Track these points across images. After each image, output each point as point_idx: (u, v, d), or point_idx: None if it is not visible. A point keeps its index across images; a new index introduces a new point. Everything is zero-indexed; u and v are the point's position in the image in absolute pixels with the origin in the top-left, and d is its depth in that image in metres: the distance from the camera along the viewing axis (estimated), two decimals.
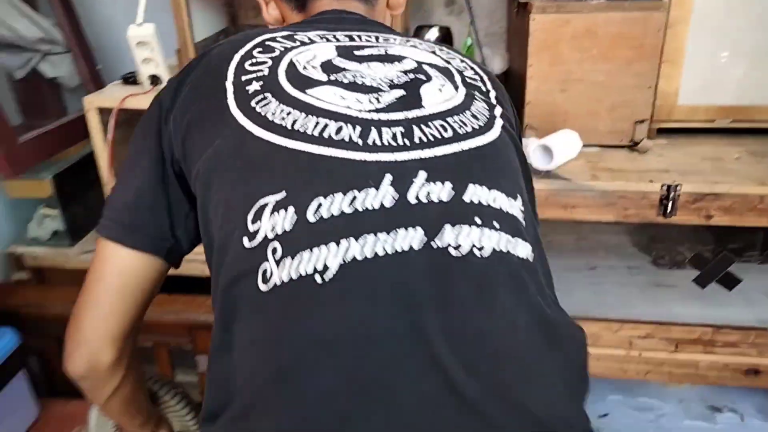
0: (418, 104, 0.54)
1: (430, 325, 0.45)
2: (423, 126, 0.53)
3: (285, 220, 0.47)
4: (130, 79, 1.28)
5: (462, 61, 0.65)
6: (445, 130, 0.53)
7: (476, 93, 0.60)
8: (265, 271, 0.46)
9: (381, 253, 0.45)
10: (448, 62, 0.63)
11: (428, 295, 0.46)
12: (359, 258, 0.45)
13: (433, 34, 1.41)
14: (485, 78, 0.65)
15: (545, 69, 1.21)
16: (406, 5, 0.74)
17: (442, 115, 0.54)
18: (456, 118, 0.55)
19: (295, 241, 0.46)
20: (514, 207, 0.54)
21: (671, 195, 1.10)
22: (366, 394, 0.43)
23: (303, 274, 0.45)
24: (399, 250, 0.46)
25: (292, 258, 0.46)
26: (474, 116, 0.57)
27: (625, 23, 1.17)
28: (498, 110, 0.60)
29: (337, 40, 0.61)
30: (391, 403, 0.43)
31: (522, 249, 0.52)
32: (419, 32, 1.42)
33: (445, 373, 0.44)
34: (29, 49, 1.41)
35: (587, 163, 1.20)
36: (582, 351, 0.55)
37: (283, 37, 0.60)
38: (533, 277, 0.52)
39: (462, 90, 0.59)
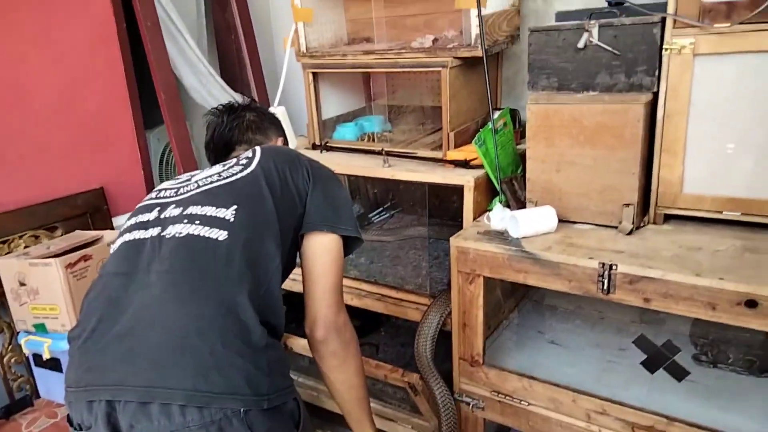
0: (189, 180, 1.12)
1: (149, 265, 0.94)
2: (184, 187, 1.09)
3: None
4: None
5: (249, 153, 1.15)
6: (195, 186, 1.07)
7: (239, 162, 1.11)
8: None
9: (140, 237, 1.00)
10: (237, 160, 1.14)
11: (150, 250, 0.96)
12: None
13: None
14: (257, 151, 1.13)
15: (542, 151, 1.38)
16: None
17: (198, 181, 1.09)
18: (205, 179, 1.09)
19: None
20: (221, 212, 0.99)
21: (605, 273, 1.17)
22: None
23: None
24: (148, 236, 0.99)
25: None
26: (219, 176, 1.09)
27: (606, 114, 1.28)
28: (255, 162, 1.09)
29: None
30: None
31: (215, 233, 0.96)
32: None
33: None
34: None
35: (563, 237, 1.32)
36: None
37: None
38: (218, 252, 0.94)
39: (222, 168, 1.12)
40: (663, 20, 1.21)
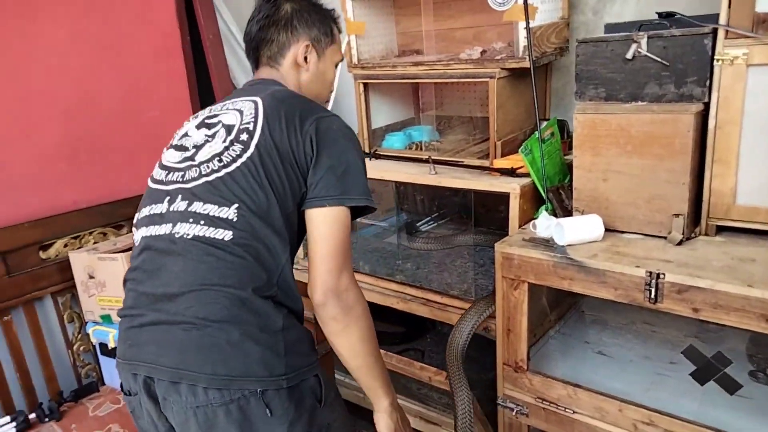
0: (193, 158, 1.07)
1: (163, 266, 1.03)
2: (188, 171, 1.06)
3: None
4: None
5: (252, 111, 1.09)
6: (197, 173, 1.05)
7: (239, 138, 1.05)
8: None
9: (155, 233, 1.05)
10: (241, 121, 1.08)
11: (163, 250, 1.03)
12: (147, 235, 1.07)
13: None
14: (259, 119, 1.07)
15: (588, 160, 1.40)
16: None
17: (201, 164, 1.05)
18: (207, 164, 1.05)
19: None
20: (224, 212, 1.00)
21: (653, 281, 1.17)
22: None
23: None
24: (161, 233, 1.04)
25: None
26: (219, 160, 1.04)
27: (655, 124, 1.28)
28: (253, 142, 1.04)
29: (197, 117, 1.17)
30: None
31: (220, 234, 0.99)
32: None
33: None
34: None
35: (609, 246, 1.32)
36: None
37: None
38: (227, 251, 0.98)
39: (224, 144, 1.06)
40: (714, 31, 1.21)
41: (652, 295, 1.17)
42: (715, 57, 1.21)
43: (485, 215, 2.04)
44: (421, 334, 2.21)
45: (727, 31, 1.19)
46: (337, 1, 1.89)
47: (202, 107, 2.12)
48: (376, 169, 1.79)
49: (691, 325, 1.55)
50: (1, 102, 1.70)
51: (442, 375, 1.51)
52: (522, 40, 1.56)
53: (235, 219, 1.00)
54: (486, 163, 1.65)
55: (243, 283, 0.98)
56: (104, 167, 1.91)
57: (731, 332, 1.46)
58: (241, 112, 1.11)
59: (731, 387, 1.17)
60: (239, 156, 1.04)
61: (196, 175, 1.05)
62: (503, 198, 1.53)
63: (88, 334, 1.72)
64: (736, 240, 1.28)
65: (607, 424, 1.32)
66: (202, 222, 1.01)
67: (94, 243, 1.81)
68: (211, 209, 1.01)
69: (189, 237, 1.00)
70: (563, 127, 1.75)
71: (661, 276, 1.16)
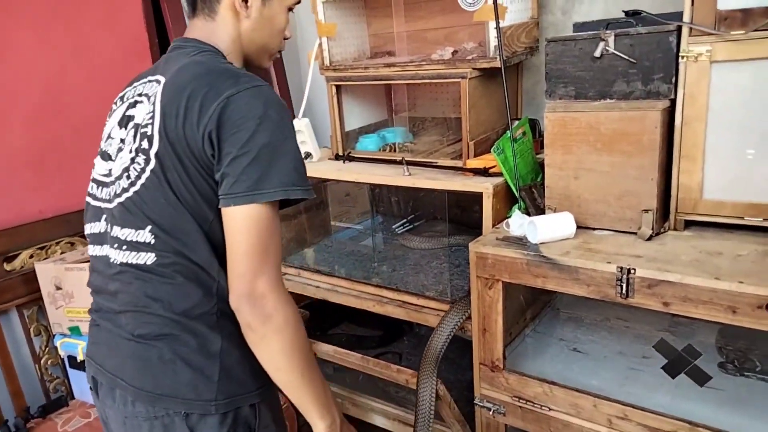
0: (111, 172, 0.99)
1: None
2: (110, 187, 0.99)
3: None
4: None
5: (151, 106, 0.95)
6: (114, 192, 0.98)
7: (141, 146, 0.94)
8: None
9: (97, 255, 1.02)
10: (143, 119, 0.95)
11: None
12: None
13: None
14: (156, 117, 0.93)
15: (559, 159, 1.40)
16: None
17: (116, 180, 0.97)
18: (119, 182, 0.96)
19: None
20: (141, 236, 0.94)
21: (624, 277, 1.18)
22: None
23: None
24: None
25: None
26: (128, 176, 0.95)
27: (623, 121, 1.30)
28: (152, 150, 0.92)
29: (122, 102, 1.03)
30: None
31: (142, 258, 0.95)
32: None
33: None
34: None
35: (581, 243, 1.33)
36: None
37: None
38: (154, 274, 0.94)
39: (130, 155, 0.95)
40: (679, 29, 1.23)
41: (624, 291, 1.18)
42: (680, 54, 1.23)
43: (460, 216, 2.05)
44: (399, 337, 2.20)
45: (690, 29, 1.21)
46: (308, 2, 1.88)
47: None
48: (349, 172, 1.78)
49: (663, 319, 1.56)
50: None
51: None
52: (492, 40, 1.57)
53: (153, 241, 0.94)
54: (459, 163, 1.65)
55: (175, 305, 0.94)
56: (71, 175, 1.86)
57: (701, 325, 1.48)
58: (147, 100, 0.98)
59: (701, 379, 1.19)
60: (143, 170, 0.94)
61: (113, 195, 0.99)
62: (477, 198, 1.53)
63: (56, 347, 1.68)
64: (704, 234, 1.30)
65: (583, 420, 1.33)
66: (124, 248, 0.96)
67: (62, 253, 1.77)
68: (129, 234, 0.96)
69: (118, 263, 0.97)
70: (535, 126, 1.76)
71: (632, 271, 1.17)
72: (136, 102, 0.99)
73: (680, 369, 1.19)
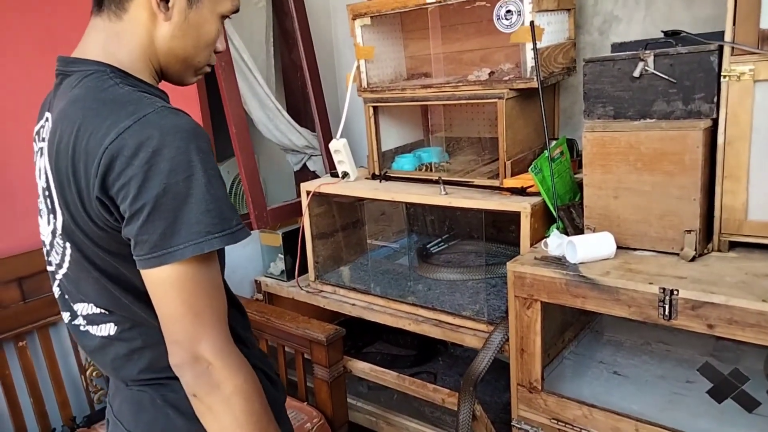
0: (46, 236, 0.88)
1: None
2: (51, 253, 0.88)
3: None
4: (333, 174, 1.99)
5: (45, 165, 0.81)
6: (54, 261, 0.88)
7: (56, 225, 0.82)
8: None
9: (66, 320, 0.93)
10: (45, 180, 0.82)
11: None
12: None
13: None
14: (52, 185, 0.79)
15: (598, 178, 1.40)
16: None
17: (51, 249, 0.87)
18: (53, 253, 0.86)
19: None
20: (91, 308, 0.87)
21: (666, 298, 1.16)
22: None
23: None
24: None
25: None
26: (55, 253, 0.85)
27: (664, 140, 1.29)
28: (62, 230, 0.81)
29: (35, 143, 0.86)
30: None
31: (104, 329, 0.87)
32: None
33: None
34: (301, 152, 2.30)
35: (621, 263, 1.32)
36: None
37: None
38: (117, 342, 0.87)
39: (49, 229, 0.84)
40: (720, 48, 1.22)
41: (666, 312, 1.16)
42: (722, 73, 1.22)
43: (497, 236, 2.04)
44: (433, 357, 2.19)
45: (733, 48, 1.20)
46: (347, 26, 1.93)
47: (214, 135, 2.17)
48: (386, 191, 1.80)
49: (707, 344, 1.52)
50: None
51: (455, 396, 1.49)
52: (529, 61, 1.58)
53: (107, 312, 0.87)
54: (496, 183, 1.66)
55: (155, 365, 0.88)
56: None
57: (748, 350, 1.44)
58: (42, 152, 0.84)
59: (749, 404, 1.15)
60: (64, 252, 0.84)
61: (55, 266, 0.90)
62: (515, 218, 1.53)
63: None
64: (750, 255, 1.27)
65: None
66: (84, 321, 0.90)
67: None
68: (81, 308, 0.88)
69: (84, 332, 0.91)
70: (572, 145, 1.76)
71: (675, 292, 1.15)
72: (41, 149, 0.84)
73: (727, 394, 1.16)
